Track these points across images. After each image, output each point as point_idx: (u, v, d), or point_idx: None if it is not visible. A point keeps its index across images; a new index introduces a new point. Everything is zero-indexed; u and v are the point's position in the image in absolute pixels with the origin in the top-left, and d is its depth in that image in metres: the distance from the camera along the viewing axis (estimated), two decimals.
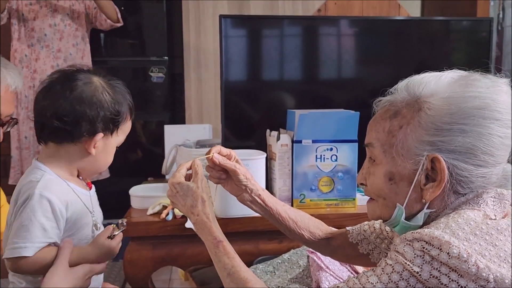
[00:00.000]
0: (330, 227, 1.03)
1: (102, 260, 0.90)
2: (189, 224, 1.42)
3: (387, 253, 0.77)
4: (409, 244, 0.63)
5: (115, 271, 2.09)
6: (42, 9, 2.43)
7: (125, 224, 0.94)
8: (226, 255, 0.78)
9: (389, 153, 0.72)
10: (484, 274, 0.58)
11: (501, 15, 3.16)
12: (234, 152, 0.95)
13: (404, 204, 0.71)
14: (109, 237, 0.90)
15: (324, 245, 1.01)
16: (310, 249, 1.16)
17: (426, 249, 0.61)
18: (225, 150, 0.94)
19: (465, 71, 0.73)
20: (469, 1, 3.02)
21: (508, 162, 0.72)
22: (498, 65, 2.86)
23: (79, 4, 2.51)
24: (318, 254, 1.15)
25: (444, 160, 0.66)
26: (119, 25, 2.55)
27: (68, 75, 0.88)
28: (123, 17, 2.64)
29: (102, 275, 1.00)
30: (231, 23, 1.79)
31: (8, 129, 1.03)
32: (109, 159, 0.94)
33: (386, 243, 0.93)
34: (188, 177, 0.88)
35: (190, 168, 0.88)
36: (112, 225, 0.92)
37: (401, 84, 0.74)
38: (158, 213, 1.50)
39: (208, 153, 0.91)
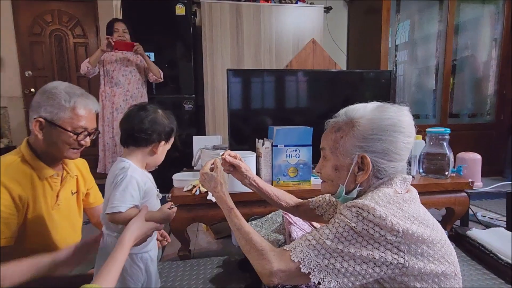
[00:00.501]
0: (298, 199, 1.04)
1: (163, 221, 0.88)
2: (209, 197, 1.42)
3: (334, 215, 0.79)
4: (349, 209, 0.64)
5: (165, 226, 2.05)
6: (118, 65, 2.40)
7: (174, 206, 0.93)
8: (236, 217, 0.79)
9: (335, 153, 0.72)
10: (396, 228, 0.60)
11: (394, 69, 3.24)
12: (239, 154, 0.98)
13: (344, 184, 0.72)
14: (169, 208, 0.90)
15: (295, 210, 1.02)
16: (284, 212, 1.16)
17: (359, 212, 0.62)
18: (233, 153, 0.96)
19: (380, 102, 0.74)
20: (375, 59, 3.07)
21: (408, 160, 0.73)
22: (393, 99, 2.91)
23: (140, 61, 2.49)
24: (289, 214, 1.15)
25: (369, 157, 0.68)
26: (160, 80, 2.53)
27: (142, 106, 0.91)
28: (167, 72, 2.61)
29: (155, 238, 0.99)
30: (233, 73, 1.80)
31: (94, 137, 1.01)
32: (163, 158, 0.96)
33: (333, 208, 0.94)
34: (211, 170, 0.89)
35: (213, 164, 0.90)
36: (171, 202, 0.94)
37: (342, 111, 0.75)
38: (190, 190, 1.49)
39: (223, 155, 0.94)
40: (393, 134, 0.67)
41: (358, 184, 0.70)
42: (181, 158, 2.25)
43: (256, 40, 2.94)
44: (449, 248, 0.66)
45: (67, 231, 1.03)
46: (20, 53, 3.15)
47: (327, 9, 3.37)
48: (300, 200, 1.03)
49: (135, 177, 0.83)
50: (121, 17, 2.70)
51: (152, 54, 2.66)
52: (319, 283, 0.61)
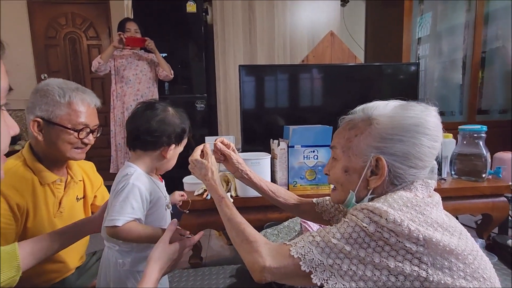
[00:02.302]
0: (300, 198, 0.93)
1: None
2: None
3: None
4: (360, 211, 0.55)
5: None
6: (128, 64, 2.37)
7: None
8: (227, 207, 0.71)
9: (347, 153, 0.65)
10: (415, 235, 0.50)
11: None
12: (233, 144, 0.88)
13: (355, 190, 0.64)
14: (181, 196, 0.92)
15: (294, 209, 0.92)
16: (303, 220, 1.06)
17: (371, 216, 0.53)
18: (226, 141, 0.87)
19: (404, 100, 0.65)
20: (395, 54, 2.91)
21: (438, 161, 0.63)
22: (421, 95, 2.73)
23: (151, 60, 2.45)
24: (308, 222, 1.05)
25: (386, 160, 0.60)
26: (171, 77, 2.48)
27: (150, 104, 0.80)
28: (179, 71, 2.57)
29: None
30: (245, 70, 1.71)
31: (98, 135, 0.94)
32: (174, 162, 0.86)
33: (342, 214, 0.83)
34: (202, 156, 0.81)
35: (202, 150, 0.81)
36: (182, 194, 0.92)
37: (359, 108, 0.67)
38: (201, 194, 1.41)
39: (215, 141, 0.86)
40: (416, 135, 0.59)
41: (371, 190, 0.62)
42: None
43: (269, 36, 2.85)
44: (483, 260, 0.56)
45: None
46: (36, 56, 3.20)
47: (344, 2, 3.23)
48: (302, 199, 0.93)
49: (137, 186, 0.74)
50: (132, 17, 2.67)
51: (163, 55, 2.62)
52: (321, 286, 0.54)
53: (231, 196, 1.37)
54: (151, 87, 2.47)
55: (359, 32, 3.37)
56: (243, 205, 1.36)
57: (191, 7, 2.68)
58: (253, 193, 1.24)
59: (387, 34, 3.05)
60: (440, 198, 0.62)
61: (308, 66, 1.97)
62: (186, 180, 1.52)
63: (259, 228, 1.35)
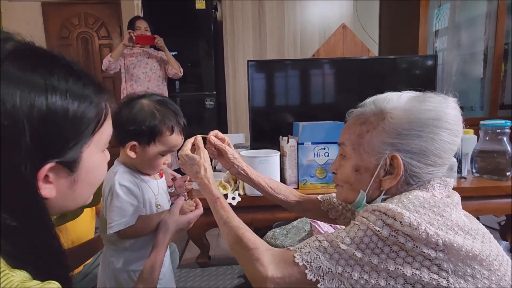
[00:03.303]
0: (301, 194, 0.86)
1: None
2: (229, 200, 1.30)
3: (352, 219, 0.64)
4: (371, 213, 0.50)
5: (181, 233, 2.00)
6: (138, 62, 2.38)
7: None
8: (222, 209, 0.65)
9: (357, 150, 0.59)
10: (434, 239, 0.45)
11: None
12: (228, 138, 0.80)
13: (366, 191, 0.58)
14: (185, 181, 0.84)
15: (296, 206, 0.85)
16: (312, 220, 1.01)
17: (384, 218, 0.48)
18: (221, 135, 0.80)
19: (418, 91, 0.60)
20: (411, 47, 2.79)
21: (458, 158, 0.57)
22: (440, 90, 2.62)
23: (160, 58, 2.45)
24: (318, 222, 1.00)
25: (401, 158, 0.54)
26: (180, 75, 2.47)
27: (131, 98, 0.74)
28: (188, 69, 2.56)
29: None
30: (254, 65, 1.66)
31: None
32: (155, 162, 0.74)
33: (350, 213, 0.77)
34: (193, 150, 0.72)
35: (193, 143, 0.72)
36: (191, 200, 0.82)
37: (369, 100, 0.61)
38: None
39: (208, 134, 0.78)
40: (435, 130, 0.53)
41: (384, 191, 0.57)
42: None
43: (279, 32, 2.79)
44: (509, 265, 0.51)
45: (74, 239, 0.96)
46: None
47: None
48: (305, 196, 0.86)
49: (123, 184, 0.71)
50: (142, 15, 2.68)
51: (173, 53, 2.62)
52: None
53: (239, 195, 1.34)
54: (161, 85, 2.47)
55: (373, 25, 3.27)
56: (252, 204, 1.32)
57: (200, 4, 2.66)
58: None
59: (403, 26, 2.93)
60: (460, 198, 0.56)
61: (319, 60, 1.90)
62: None
63: (267, 228, 1.32)
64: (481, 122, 1.48)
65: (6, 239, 0.32)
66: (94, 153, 0.40)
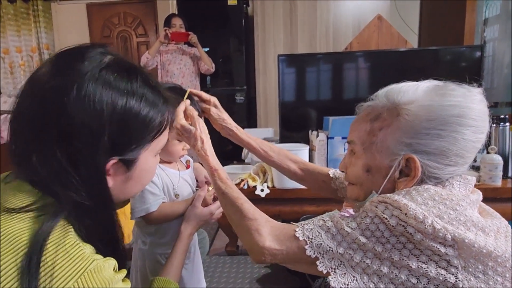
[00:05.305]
0: (305, 162, 0.81)
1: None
2: (258, 192, 1.35)
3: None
4: (379, 203, 0.48)
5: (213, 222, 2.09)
6: (173, 59, 2.50)
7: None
8: (220, 180, 0.63)
9: (369, 149, 0.54)
10: (441, 234, 0.43)
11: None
12: (215, 98, 0.76)
13: (379, 192, 0.54)
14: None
15: (296, 175, 0.80)
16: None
17: (390, 208, 0.46)
18: (206, 96, 0.75)
19: (438, 80, 0.54)
20: (456, 38, 2.61)
21: (505, 158, 0.53)
22: (485, 84, 2.43)
23: (194, 54, 2.56)
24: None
25: (419, 160, 0.50)
26: (212, 71, 2.56)
27: None
28: (220, 65, 2.64)
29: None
30: (285, 59, 1.69)
31: None
32: (172, 149, 0.76)
33: None
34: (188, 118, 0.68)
35: (185, 111, 0.67)
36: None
37: (381, 92, 0.56)
38: (238, 184, 1.45)
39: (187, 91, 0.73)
40: (458, 129, 0.48)
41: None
42: (232, 151, 2.24)
43: (311, 25, 2.77)
44: None
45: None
46: None
47: None
48: (309, 165, 0.80)
49: None
50: (176, 13, 2.81)
51: (205, 49, 2.72)
52: (327, 273, 0.48)
53: (268, 187, 1.38)
54: (194, 80, 2.58)
55: (413, 16, 3.10)
56: (280, 197, 1.36)
57: (232, 0, 2.73)
58: (291, 184, 1.23)
59: (447, 15, 2.75)
60: (480, 197, 0.52)
61: (352, 53, 1.87)
62: (225, 169, 1.57)
63: (295, 220, 1.35)
64: None
65: (79, 216, 0.38)
66: (149, 156, 0.45)
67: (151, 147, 0.44)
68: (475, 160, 1.33)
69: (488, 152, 1.31)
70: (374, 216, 0.47)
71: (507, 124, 1.38)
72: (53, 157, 0.37)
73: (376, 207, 0.48)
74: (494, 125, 1.38)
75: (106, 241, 0.41)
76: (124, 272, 0.39)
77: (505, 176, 1.37)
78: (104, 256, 0.38)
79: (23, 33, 3.39)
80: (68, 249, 0.34)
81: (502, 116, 1.38)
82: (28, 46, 3.43)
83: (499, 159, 1.27)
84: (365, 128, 0.55)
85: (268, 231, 0.54)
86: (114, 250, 0.42)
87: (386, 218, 0.46)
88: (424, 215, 0.44)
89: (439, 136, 0.48)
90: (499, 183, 1.28)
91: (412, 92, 0.52)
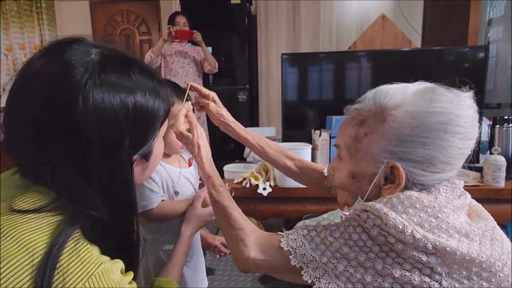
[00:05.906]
0: (301, 159, 0.82)
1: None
2: (260, 190, 1.36)
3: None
4: (362, 212, 0.48)
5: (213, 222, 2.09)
6: (177, 57, 2.51)
7: None
8: (213, 187, 0.63)
9: (354, 156, 0.54)
10: (421, 244, 0.43)
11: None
12: (214, 93, 0.77)
13: (364, 199, 0.54)
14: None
15: (291, 171, 0.81)
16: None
17: (371, 218, 0.47)
18: (205, 91, 0.76)
19: (428, 82, 0.53)
20: (459, 38, 2.61)
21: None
22: (489, 85, 2.43)
23: (197, 53, 2.56)
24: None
25: (403, 167, 0.49)
26: (215, 71, 2.56)
27: None
28: (223, 63, 2.64)
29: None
30: (288, 58, 1.69)
31: None
32: (169, 140, 0.76)
33: None
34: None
35: (186, 115, 0.68)
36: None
37: (369, 94, 0.54)
38: (241, 182, 1.45)
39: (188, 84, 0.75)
40: (443, 136, 0.47)
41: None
42: (233, 150, 2.26)
43: (314, 24, 2.77)
44: None
45: None
46: None
47: None
48: (305, 162, 0.81)
49: None
50: (180, 11, 2.81)
51: (209, 48, 2.72)
52: (312, 283, 0.48)
53: (270, 186, 1.39)
54: (197, 79, 2.59)
55: (416, 16, 3.10)
56: (282, 195, 1.37)
57: None
58: (293, 183, 1.24)
59: (451, 15, 2.75)
60: (468, 200, 0.51)
61: (355, 53, 1.87)
62: (227, 168, 1.57)
63: (297, 220, 1.35)
64: None
65: (98, 222, 0.38)
66: (159, 142, 0.47)
67: (160, 132, 0.46)
68: (478, 161, 1.33)
69: (491, 153, 1.31)
70: (357, 226, 0.47)
71: (511, 125, 1.38)
72: (73, 171, 0.37)
73: (359, 216, 0.48)
74: (498, 126, 1.38)
75: (121, 244, 0.42)
76: (131, 274, 0.39)
77: (508, 177, 1.37)
78: (118, 258, 0.38)
79: (26, 30, 3.41)
80: (79, 252, 0.35)
81: (505, 117, 1.38)
82: (31, 43, 3.45)
83: (502, 160, 1.27)
84: (351, 133, 0.54)
85: (253, 242, 0.55)
86: (129, 254, 0.43)
87: (368, 228, 0.46)
88: (404, 224, 0.43)
89: (423, 144, 0.47)
90: (502, 184, 1.28)
91: (399, 95, 0.51)
